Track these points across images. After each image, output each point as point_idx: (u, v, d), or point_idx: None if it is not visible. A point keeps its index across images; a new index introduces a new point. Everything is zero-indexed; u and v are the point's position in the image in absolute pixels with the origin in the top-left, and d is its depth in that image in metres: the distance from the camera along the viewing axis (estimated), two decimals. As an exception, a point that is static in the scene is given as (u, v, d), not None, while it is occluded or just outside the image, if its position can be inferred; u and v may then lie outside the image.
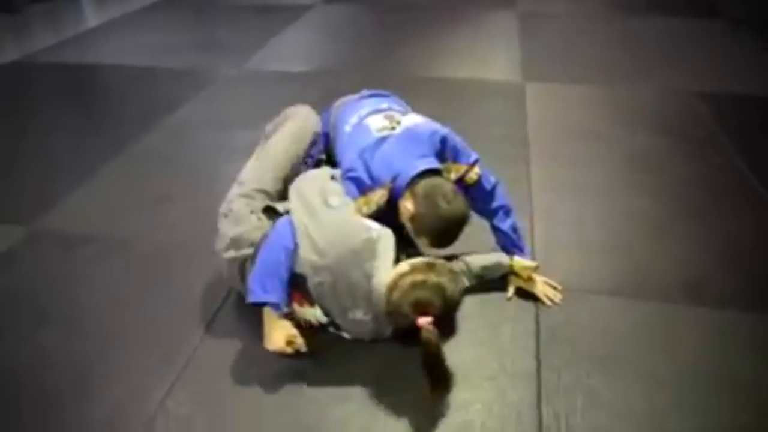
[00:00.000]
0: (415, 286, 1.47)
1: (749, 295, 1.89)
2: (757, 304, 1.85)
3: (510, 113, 3.17)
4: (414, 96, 3.37)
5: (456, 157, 1.79)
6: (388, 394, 1.57)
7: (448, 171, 1.77)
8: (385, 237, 1.59)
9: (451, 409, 1.53)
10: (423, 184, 1.63)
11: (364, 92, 2.13)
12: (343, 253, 1.55)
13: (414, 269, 1.51)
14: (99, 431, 1.52)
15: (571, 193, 2.46)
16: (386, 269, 1.54)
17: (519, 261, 1.84)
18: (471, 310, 1.82)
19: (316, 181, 1.76)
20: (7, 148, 3.04)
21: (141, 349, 1.76)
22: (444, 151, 1.77)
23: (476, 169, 1.78)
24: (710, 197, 2.40)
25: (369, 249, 1.55)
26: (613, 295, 1.90)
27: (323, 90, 2.17)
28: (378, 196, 1.68)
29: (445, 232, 1.62)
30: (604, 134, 2.93)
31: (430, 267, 1.51)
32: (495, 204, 1.85)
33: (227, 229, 1.71)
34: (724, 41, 4.32)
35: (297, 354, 1.61)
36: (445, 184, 1.65)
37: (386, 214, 1.69)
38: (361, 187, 1.72)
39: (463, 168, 1.77)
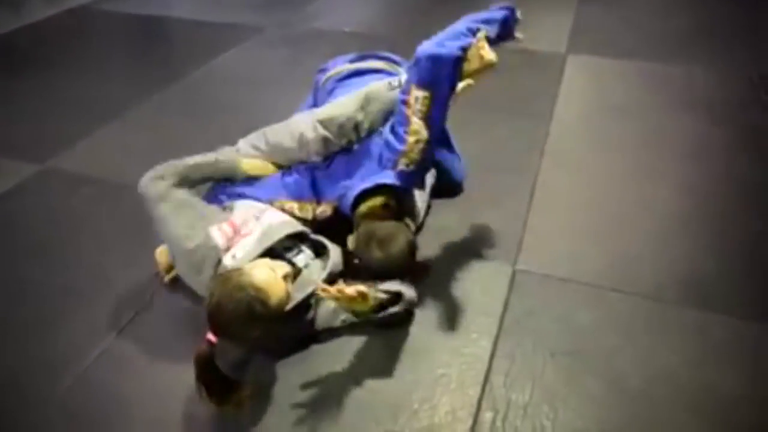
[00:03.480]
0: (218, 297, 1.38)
1: (754, 303, 1.67)
2: (758, 314, 1.63)
3: (541, 86, 2.96)
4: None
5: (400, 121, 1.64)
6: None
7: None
8: (214, 252, 1.52)
9: (389, 383, 1.47)
10: (362, 228, 1.60)
11: (352, 56, 2.02)
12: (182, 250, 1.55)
13: (217, 289, 1.38)
14: (43, 367, 1.58)
15: (581, 173, 2.27)
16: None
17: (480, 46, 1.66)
18: (439, 282, 1.75)
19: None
20: (45, 88, 3.20)
21: (106, 290, 1.82)
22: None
23: (415, 93, 1.61)
24: (741, 194, 2.12)
25: (199, 259, 1.51)
26: (596, 287, 1.74)
27: (358, 51, 2.08)
28: (319, 209, 1.76)
29: (378, 273, 1.58)
30: (637, 114, 2.66)
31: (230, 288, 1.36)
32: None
33: None
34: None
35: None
36: (381, 228, 1.57)
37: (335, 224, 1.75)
38: (299, 193, 1.76)
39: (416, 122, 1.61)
